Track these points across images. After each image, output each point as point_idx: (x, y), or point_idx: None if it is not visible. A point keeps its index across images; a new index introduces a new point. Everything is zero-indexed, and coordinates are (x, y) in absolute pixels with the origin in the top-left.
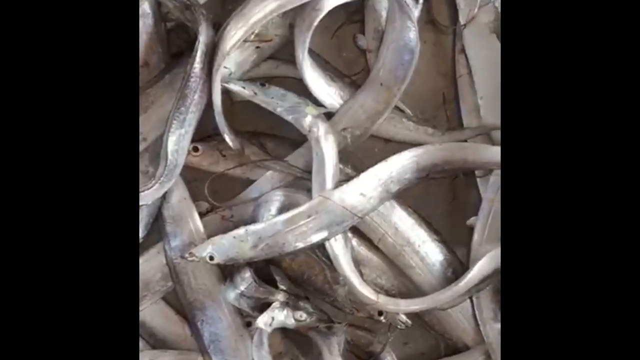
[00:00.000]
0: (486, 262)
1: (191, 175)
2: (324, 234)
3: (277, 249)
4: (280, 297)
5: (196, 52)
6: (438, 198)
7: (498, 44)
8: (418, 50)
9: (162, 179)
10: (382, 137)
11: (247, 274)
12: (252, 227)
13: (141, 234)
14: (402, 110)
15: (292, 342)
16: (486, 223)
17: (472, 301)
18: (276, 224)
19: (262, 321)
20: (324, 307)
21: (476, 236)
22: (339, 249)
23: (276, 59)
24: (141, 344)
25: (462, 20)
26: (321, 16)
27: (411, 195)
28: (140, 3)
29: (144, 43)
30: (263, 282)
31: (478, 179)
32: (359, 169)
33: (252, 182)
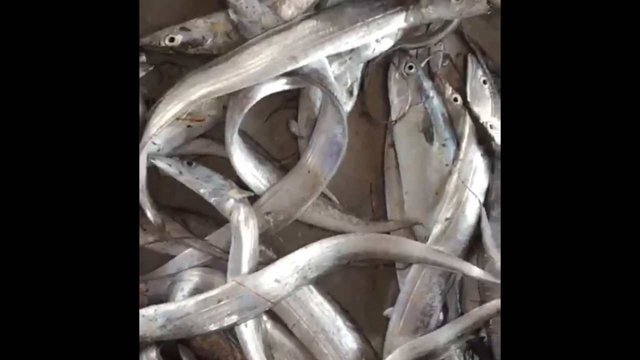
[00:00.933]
0: (398, 354)
1: None
2: (234, 319)
3: (186, 330)
4: None
5: None
6: (358, 287)
7: (425, 142)
8: (346, 144)
9: None
10: (306, 223)
11: (153, 354)
12: (161, 307)
13: None
14: (329, 198)
15: None
16: (402, 314)
17: None
18: (186, 306)
19: None
20: None
21: (391, 327)
22: (249, 334)
23: (207, 138)
24: None
25: (393, 116)
26: (252, 103)
27: (331, 282)
28: None
29: None
30: None
31: (397, 271)
32: (281, 252)
33: (171, 257)
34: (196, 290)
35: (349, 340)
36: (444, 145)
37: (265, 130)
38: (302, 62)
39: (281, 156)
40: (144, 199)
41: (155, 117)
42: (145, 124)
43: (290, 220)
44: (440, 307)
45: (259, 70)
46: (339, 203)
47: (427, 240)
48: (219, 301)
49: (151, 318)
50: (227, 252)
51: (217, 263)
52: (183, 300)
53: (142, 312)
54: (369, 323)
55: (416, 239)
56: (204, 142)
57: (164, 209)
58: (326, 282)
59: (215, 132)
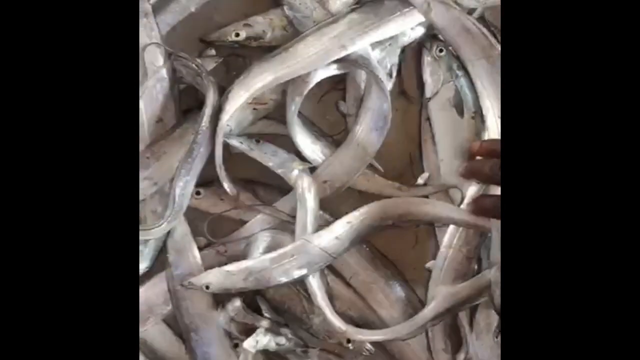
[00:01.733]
0: (440, 301)
1: (193, 215)
2: (303, 271)
3: (264, 282)
4: (264, 323)
5: (204, 113)
6: (403, 243)
7: (456, 115)
8: (390, 118)
9: (169, 218)
10: (356, 189)
11: (238, 303)
12: (243, 263)
13: (148, 263)
14: (375, 168)
15: None
16: (442, 267)
17: (427, 334)
18: (264, 261)
19: (249, 344)
20: (301, 333)
21: (433, 277)
22: (316, 284)
23: (270, 119)
24: (143, 358)
25: (427, 94)
26: (310, 87)
27: (380, 240)
28: (158, 69)
29: (160, 102)
30: (250, 310)
31: (436, 229)
32: (336, 215)
33: (244, 222)
34: (269, 249)
35: (397, 289)
36: (472, 117)
37: (317, 111)
38: (350, 50)
39: (332, 132)
40: (221, 173)
41: (228, 103)
42: (219, 109)
43: (344, 187)
44: (475, 259)
45: (314, 58)
46: (383, 171)
47: (462, 203)
48: (291, 256)
49: (235, 273)
50: (292, 216)
51: (284, 226)
52: (260, 257)
53: (226, 268)
54: (413, 275)
55: (452, 202)
56: (268, 123)
57: (236, 182)
58: (376, 240)
59: (276, 113)
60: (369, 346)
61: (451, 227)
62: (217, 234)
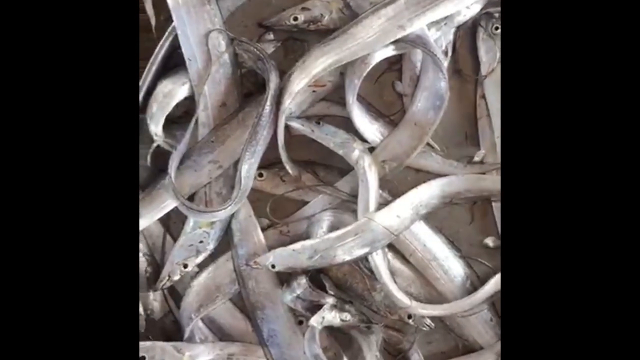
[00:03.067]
0: (500, 278)
1: (255, 196)
2: (367, 249)
3: (329, 260)
4: (329, 300)
5: (267, 96)
6: (459, 220)
7: None
8: (447, 97)
9: (235, 200)
10: (414, 168)
11: (303, 281)
12: (308, 242)
13: (214, 244)
14: (431, 146)
15: (335, 338)
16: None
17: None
18: (328, 239)
19: (315, 320)
20: (363, 310)
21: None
22: (380, 261)
23: (328, 101)
24: (211, 337)
25: (483, 71)
26: (369, 68)
27: (437, 217)
28: (221, 55)
29: (223, 87)
30: (315, 288)
31: (493, 205)
32: (395, 194)
33: (306, 203)
34: (331, 228)
35: (455, 266)
36: None
37: (374, 91)
38: (408, 30)
39: (389, 112)
40: (283, 155)
41: (290, 86)
42: (280, 93)
43: (402, 166)
44: None
45: (373, 40)
46: (440, 150)
47: None
48: (355, 234)
49: (300, 251)
50: (353, 196)
51: (344, 205)
52: (325, 235)
53: (292, 247)
54: (470, 251)
55: None
56: (326, 105)
57: (297, 163)
58: (434, 217)
59: (335, 95)
60: (428, 321)
61: None
62: (279, 214)
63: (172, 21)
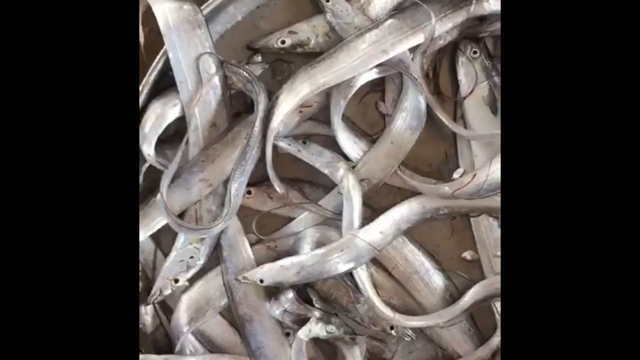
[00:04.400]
0: (478, 289)
1: (243, 213)
2: (351, 264)
3: (315, 275)
4: (316, 313)
5: (256, 117)
6: (440, 235)
7: (490, 113)
8: (424, 119)
9: (225, 217)
10: (395, 186)
11: (291, 295)
12: (296, 258)
13: (204, 259)
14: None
15: (320, 349)
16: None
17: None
18: (315, 256)
19: (302, 333)
20: (348, 321)
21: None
22: (364, 275)
23: (314, 120)
24: (201, 349)
25: (462, 93)
26: (354, 90)
27: (418, 232)
28: (211, 77)
29: (213, 108)
30: (302, 301)
31: (471, 219)
32: (377, 211)
33: (292, 219)
34: (317, 244)
35: (436, 279)
36: None
37: (358, 111)
38: (391, 54)
39: (372, 132)
40: (271, 173)
41: (278, 107)
42: (268, 113)
43: (380, 183)
44: None
45: (358, 64)
46: (420, 169)
47: None
48: (340, 251)
49: (288, 267)
50: (337, 213)
51: (329, 221)
52: (312, 252)
53: (280, 262)
54: (450, 264)
55: None
56: (312, 124)
57: (284, 181)
58: (415, 232)
59: (320, 115)
60: (410, 332)
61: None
62: (266, 230)
63: (160, 37)
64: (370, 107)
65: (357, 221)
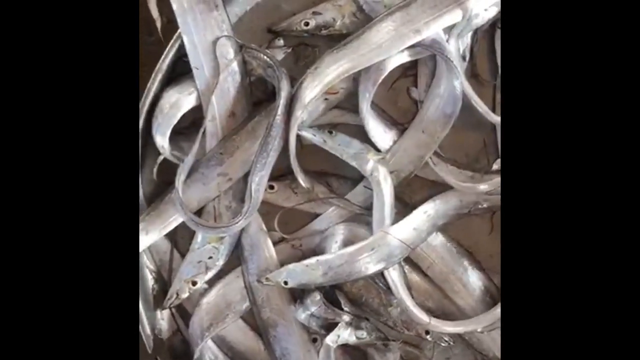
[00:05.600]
0: None
1: (266, 209)
2: (383, 264)
3: (343, 276)
4: (345, 317)
5: (278, 105)
6: (478, 231)
7: None
8: (460, 105)
9: (246, 214)
10: (430, 179)
11: (318, 298)
12: (322, 258)
13: (224, 260)
14: (441, 156)
15: (350, 356)
16: None
17: None
18: (343, 255)
19: (330, 339)
20: (379, 326)
21: None
22: (396, 275)
23: (341, 108)
24: (222, 357)
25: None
26: (384, 75)
27: (455, 228)
28: (229, 62)
29: (232, 96)
30: (330, 304)
31: None
32: (410, 206)
33: (318, 215)
34: (346, 241)
35: (474, 278)
36: None
37: (389, 98)
38: (424, 34)
39: (404, 120)
40: (295, 166)
41: (302, 94)
42: (292, 101)
43: (411, 176)
44: None
45: (388, 45)
46: (455, 160)
47: None
48: (372, 249)
49: (314, 267)
50: (366, 208)
51: (358, 217)
52: (340, 251)
53: (305, 262)
54: (490, 263)
55: None
56: (339, 112)
57: (309, 174)
58: (451, 228)
59: (347, 102)
60: (447, 337)
61: None
62: (290, 227)
63: (175, 24)
64: (402, 94)
65: (388, 217)
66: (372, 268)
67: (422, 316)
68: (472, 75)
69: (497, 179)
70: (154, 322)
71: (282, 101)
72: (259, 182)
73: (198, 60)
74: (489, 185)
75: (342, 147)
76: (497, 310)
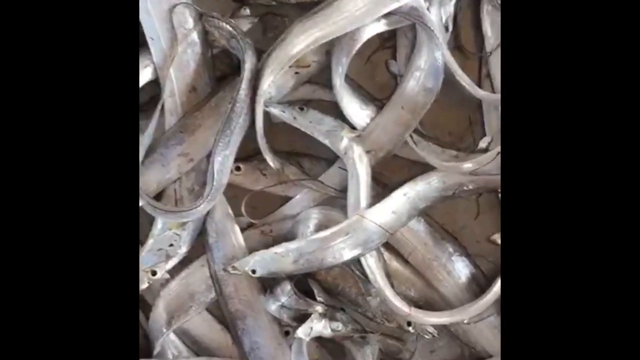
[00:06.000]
0: None
1: (232, 193)
2: (359, 250)
3: (316, 264)
4: (318, 308)
5: (242, 78)
6: (464, 215)
7: None
8: (441, 78)
9: (208, 197)
10: (411, 159)
11: (288, 287)
12: (292, 244)
13: (186, 247)
14: (422, 134)
15: (326, 350)
16: None
17: None
18: (315, 241)
19: (302, 331)
20: (357, 317)
21: None
22: (374, 264)
23: (313, 84)
24: (186, 352)
25: (488, 47)
26: (359, 46)
27: (438, 212)
28: (188, 33)
29: (192, 70)
30: (302, 294)
31: (500, 196)
32: (389, 188)
33: (289, 199)
34: (319, 227)
35: (460, 266)
36: None
37: (365, 72)
38: (403, 1)
39: (382, 96)
40: (263, 145)
41: (268, 66)
42: (257, 74)
43: (389, 155)
44: None
45: (363, 12)
46: (438, 138)
47: None
48: (346, 234)
49: (284, 254)
50: (341, 191)
51: (333, 201)
52: (312, 236)
53: (275, 249)
54: (477, 249)
55: None
56: (311, 88)
57: (279, 154)
58: (434, 212)
59: (320, 77)
60: (431, 329)
61: None
62: (259, 212)
63: None
64: (380, 67)
65: (364, 199)
66: (347, 254)
67: (402, 306)
68: (456, 47)
69: (482, 157)
70: None
71: (246, 74)
72: (222, 162)
73: (153, 30)
74: (474, 164)
75: (314, 124)
76: (483, 300)
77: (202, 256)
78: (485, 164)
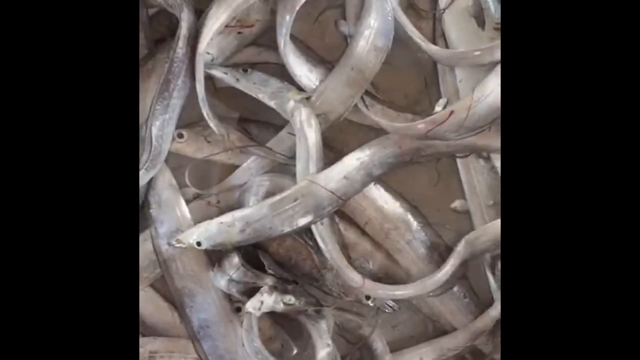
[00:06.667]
0: (463, 246)
1: (176, 162)
2: (310, 217)
3: (265, 233)
4: (268, 281)
5: (178, 37)
6: (423, 182)
7: (477, 28)
8: (392, 36)
9: (147, 164)
10: (365, 124)
11: (236, 260)
12: (238, 212)
13: None
14: (374, 96)
15: (282, 327)
16: None
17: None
18: (262, 208)
19: (251, 305)
20: (313, 291)
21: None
22: (325, 232)
23: (258, 45)
24: None
25: (441, 5)
26: (301, 2)
27: (396, 179)
28: None
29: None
30: (251, 267)
31: (458, 161)
32: (343, 154)
33: (236, 167)
34: (269, 195)
35: (420, 234)
36: (496, 28)
37: (314, 33)
38: None
39: (332, 58)
40: (206, 110)
41: (206, 25)
42: (197, 34)
43: (341, 119)
44: None
45: None
46: (393, 102)
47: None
48: (295, 200)
49: (230, 224)
50: (290, 157)
51: (282, 168)
52: (259, 204)
53: (220, 219)
54: (437, 217)
55: None
56: (256, 50)
57: (224, 120)
58: (392, 179)
59: (265, 38)
60: (391, 302)
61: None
62: (206, 182)
63: None
64: (329, 27)
65: (314, 164)
66: (297, 222)
67: (355, 277)
68: (408, 5)
69: (435, 116)
70: None
71: (183, 31)
72: (161, 127)
73: None
74: (427, 124)
75: (258, 86)
76: (443, 270)
77: (145, 230)
78: (439, 123)
